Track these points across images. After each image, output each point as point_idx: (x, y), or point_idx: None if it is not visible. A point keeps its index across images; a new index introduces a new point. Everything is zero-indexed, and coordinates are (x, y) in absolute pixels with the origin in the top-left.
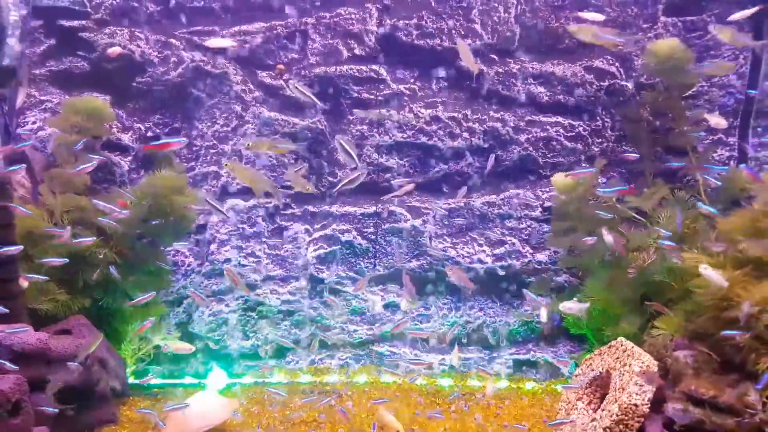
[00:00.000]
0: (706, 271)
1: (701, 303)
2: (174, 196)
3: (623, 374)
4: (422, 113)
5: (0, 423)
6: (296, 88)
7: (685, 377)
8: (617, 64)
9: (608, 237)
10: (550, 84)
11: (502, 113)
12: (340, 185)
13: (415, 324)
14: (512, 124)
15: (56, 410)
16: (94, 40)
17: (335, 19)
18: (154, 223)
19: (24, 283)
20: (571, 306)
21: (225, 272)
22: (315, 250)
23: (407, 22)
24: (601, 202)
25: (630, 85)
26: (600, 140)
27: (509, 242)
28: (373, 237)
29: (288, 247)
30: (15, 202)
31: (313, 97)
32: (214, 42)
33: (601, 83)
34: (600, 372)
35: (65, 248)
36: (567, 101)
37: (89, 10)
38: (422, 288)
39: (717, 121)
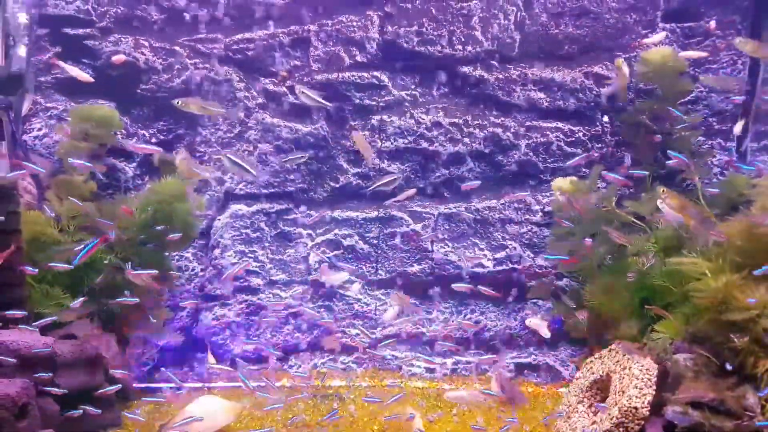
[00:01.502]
0: (664, 206)
1: (700, 306)
2: (177, 203)
3: (623, 377)
4: (423, 119)
5: (7, 427)
6: (303, 93)
7: (684, 380)
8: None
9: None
10: (550, 90)
11: (502, 119)
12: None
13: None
14: (513, 130)
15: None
16: (99, 47)
17: (337, 27)
18: (158, 229)
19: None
20: (536, 322)
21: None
22: (317, 255)
23: (408, 29)
24: (601, 207)
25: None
26: (600, 145)
27: (510, 246)
28: (374, 242)
29: (290, 252)
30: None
31: (320, 99)
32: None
33: (601, 89)
34: (600, 375)
35: (71, 254)
36: (567, 107)
37: (94, 18)
38: (424, 292)
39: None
